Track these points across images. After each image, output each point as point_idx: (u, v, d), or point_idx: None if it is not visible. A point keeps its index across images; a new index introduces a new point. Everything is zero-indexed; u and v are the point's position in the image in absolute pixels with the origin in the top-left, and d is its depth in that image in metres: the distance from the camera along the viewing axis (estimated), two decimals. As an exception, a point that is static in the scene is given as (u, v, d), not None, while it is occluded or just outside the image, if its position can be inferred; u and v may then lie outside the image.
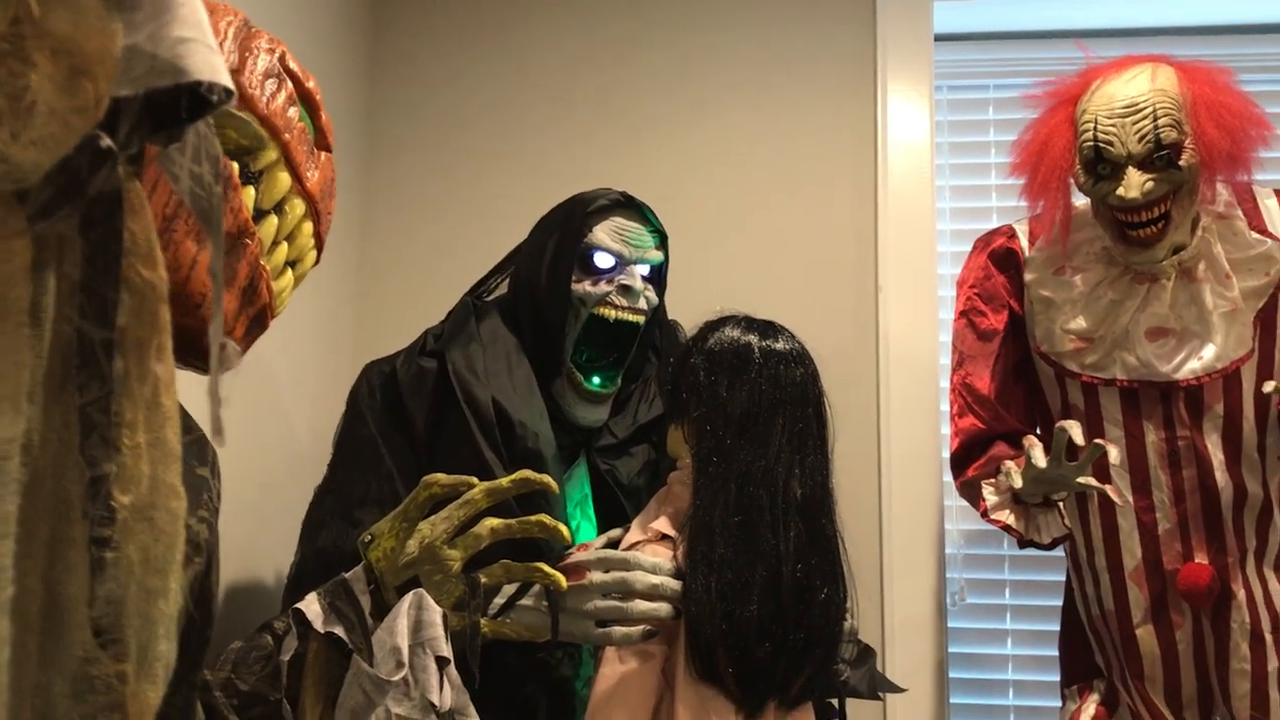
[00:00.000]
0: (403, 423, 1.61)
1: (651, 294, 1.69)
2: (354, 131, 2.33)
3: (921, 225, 2.25)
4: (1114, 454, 1.59)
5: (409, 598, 1.25)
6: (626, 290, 1.64)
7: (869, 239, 2.27)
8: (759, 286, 2.22)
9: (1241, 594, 1.73)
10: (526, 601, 1.39)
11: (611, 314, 1.65)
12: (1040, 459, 1.58)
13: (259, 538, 1.82)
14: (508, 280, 1.78)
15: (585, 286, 1.65)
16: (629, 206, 1.70)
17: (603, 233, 1.66)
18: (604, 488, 1.67)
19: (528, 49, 2.40)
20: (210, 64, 0.48)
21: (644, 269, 1.69)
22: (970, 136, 2.41)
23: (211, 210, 0.50)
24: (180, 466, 0.49)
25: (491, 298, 1.79)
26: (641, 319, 1.67)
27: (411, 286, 2.31)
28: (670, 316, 1.81)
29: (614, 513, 1.63)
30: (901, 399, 2.19)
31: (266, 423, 1.92)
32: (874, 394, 2.21)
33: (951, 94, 2.42)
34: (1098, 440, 1.56)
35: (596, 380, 1.67)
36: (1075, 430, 1.56)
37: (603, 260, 1.65)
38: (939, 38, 2.35)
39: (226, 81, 0.49)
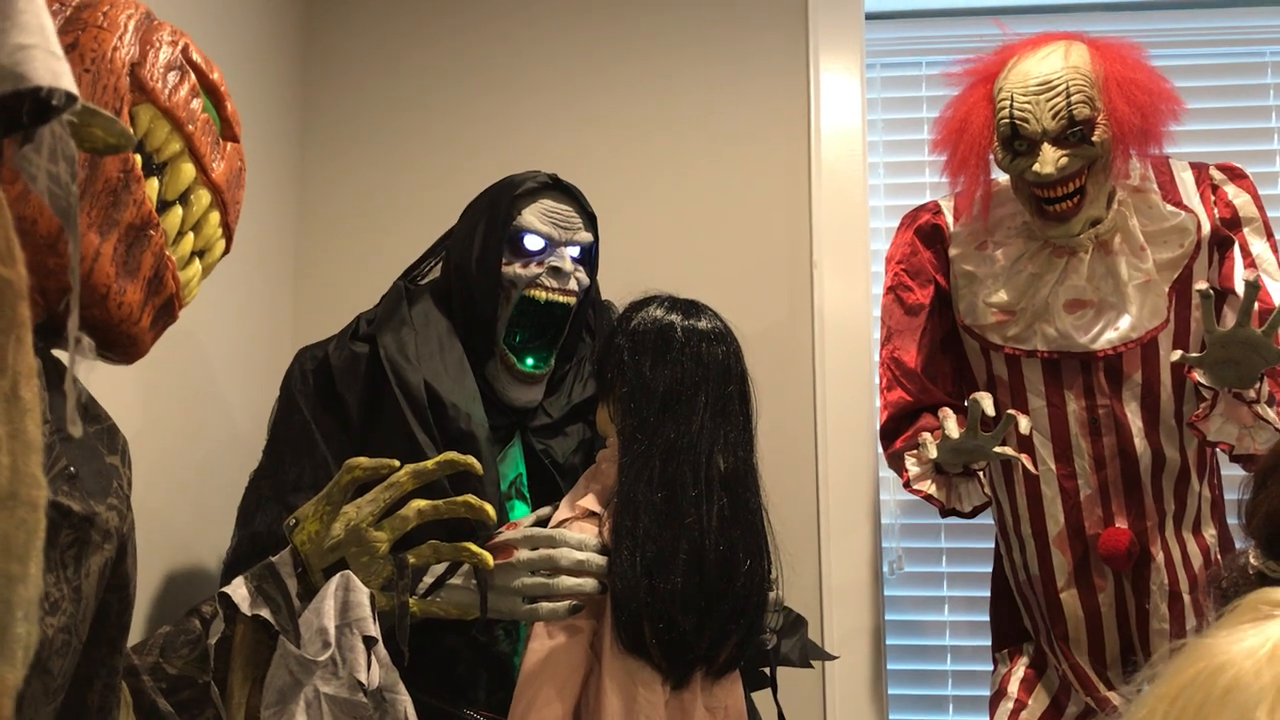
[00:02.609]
0: (336, 408, 1.63)
1: (583, 275, 1.72)
2: (289, 115, 2.33)
3: (855, 202, 2.28)
4: (1024, 424, 1.64)
5: (336, 579, 1.28)
6: (557, 272, 1.67)
7: (803, 216, 2.29)
8: (694, 265, 2.24)
9: (1160, 556, 1.78)
10: (456, 580, 1.42)
11: (542, 295, 1.67)
12: (954, 430, 1.63)
13: (198, 522, 1.84)
14: (440, 264, 1.80)
15: (516, 269, 1.67)
16: (557, 188, 1.72)
17: (532, 215, 1.68)
18: (540, 468, 1.70)
19: (458, 30, 2.40)
20: (51, 69, 0.49)
21: (574, 250, 1.71)
22: (903, 114, 2.44)
23: (69, 209, 0.52)
24: (40, 456, 0.51)
25: (425, 281, 1.81)
26: (573, 300, 1.69)
27: (349, 269, 2.31)
28: (606, 296, 1.84)
29: (551, 492, 1.65)
30: (836, 373, 2.23)
31: (204, 407, 1.93)
32: (809, 368, 2.24)
33: (884, 72, 2.45)
34: (1010, 411, 1.61)
35: (530, 361, 1.69)
36: (986, 402, 1.60)
37: (532, 242, 1.68)
38: (870, 16, 2.37)
39: (68, 86, 0.51)
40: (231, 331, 2.03)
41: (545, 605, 1.40)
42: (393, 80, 2.40)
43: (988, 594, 2.02)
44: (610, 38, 2.38)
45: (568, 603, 1.39)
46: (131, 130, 0.61)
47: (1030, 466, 1.71)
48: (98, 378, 1.55)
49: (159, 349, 1.76)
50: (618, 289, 1.75)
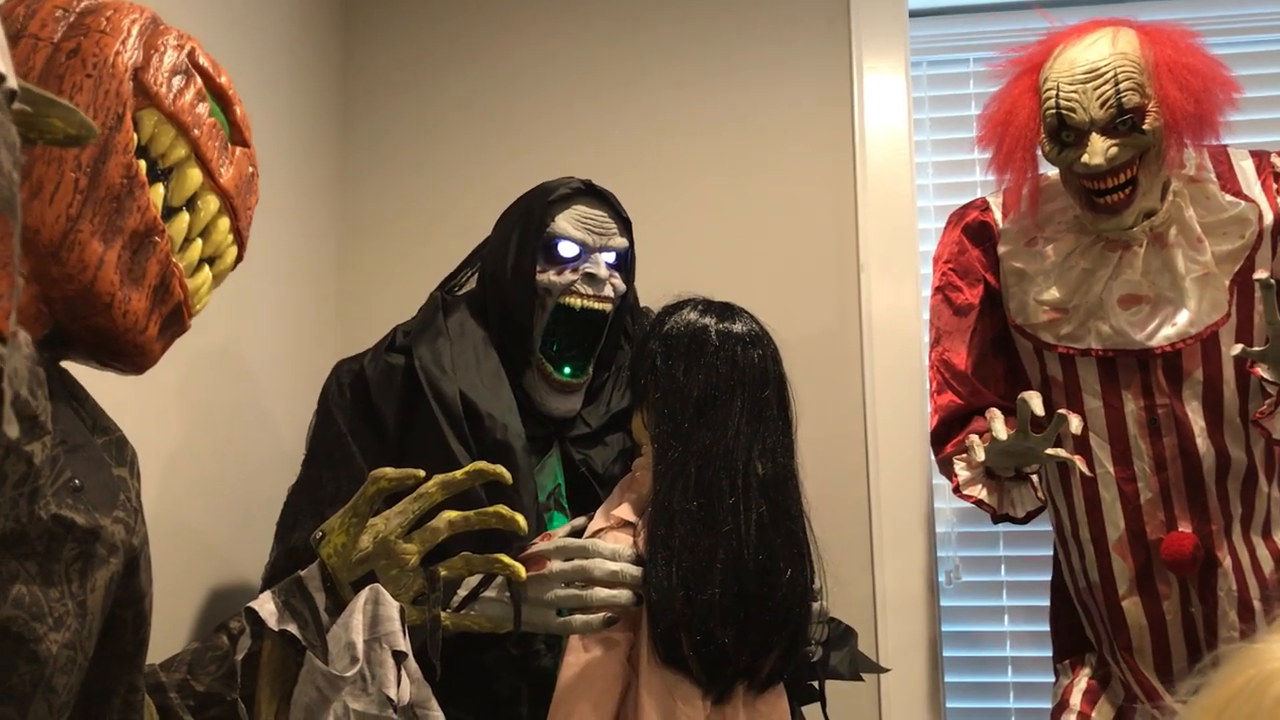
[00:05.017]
0: (373, 420, 1.62)
1: (618, 281, 1.69)
2: (331, 127, 2.33)
3: (902, 203, 2.23)
4: (1075, 424, 1.57)
5: (365, 593, 1.25)
6: (591, 278, 1.64)
7: (849, 218, 2.25)
8: (739, 270, 2.20)
9: (1228, 561, 1.70)
10: (489, 593, 1.39)
11: (577, 303, 1.64)
12: (1001, 431, 1.56)
13: (241, 536, 1.83)
14: (476, 274, 1.78)
15: (550, 276, 1.64)
16: (591, 194, 1.69)
17: (565, 221, 1.65)
18: (579, 478, 1.67)
19: (499, 38, 2.39)
20: None
21: (609, 256, 1.68)
22: (952, 112, 2.38)
23: (11, 198, 0.50)
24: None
25: (461, 292, 1.79)
26: (608, 307, 1.66)
27: (393, 282, 2.30)
28: (650, 304, 1.80)
29: (591, 503, 1.62)
30: (886, 378, 2.17)
31: (248, 421, 1.93)
32: (859, 373, 2.19)
33: (931, 69, 2.39)
34: (1060, 411, 1.54)
35: (567, 370, 1.66)
36: (1035, 402, 1.54)
37: (566, 249, 1.65)
38: (914, 13, 2.32)
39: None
40: (275, 346, 2.03)
41: (579, 618, 1.36)
42: (433, 90, 2.39)
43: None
44: (651, 42, 2.36)
45: (602, 615, 1.36)
46: (93, 123, 0.59)
47: (1084, 469, 1.63)
48: (138, 392, 1.55)
49: (201, 364, 1.77)
50: (662, 296, 1.70)
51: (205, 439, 1.77)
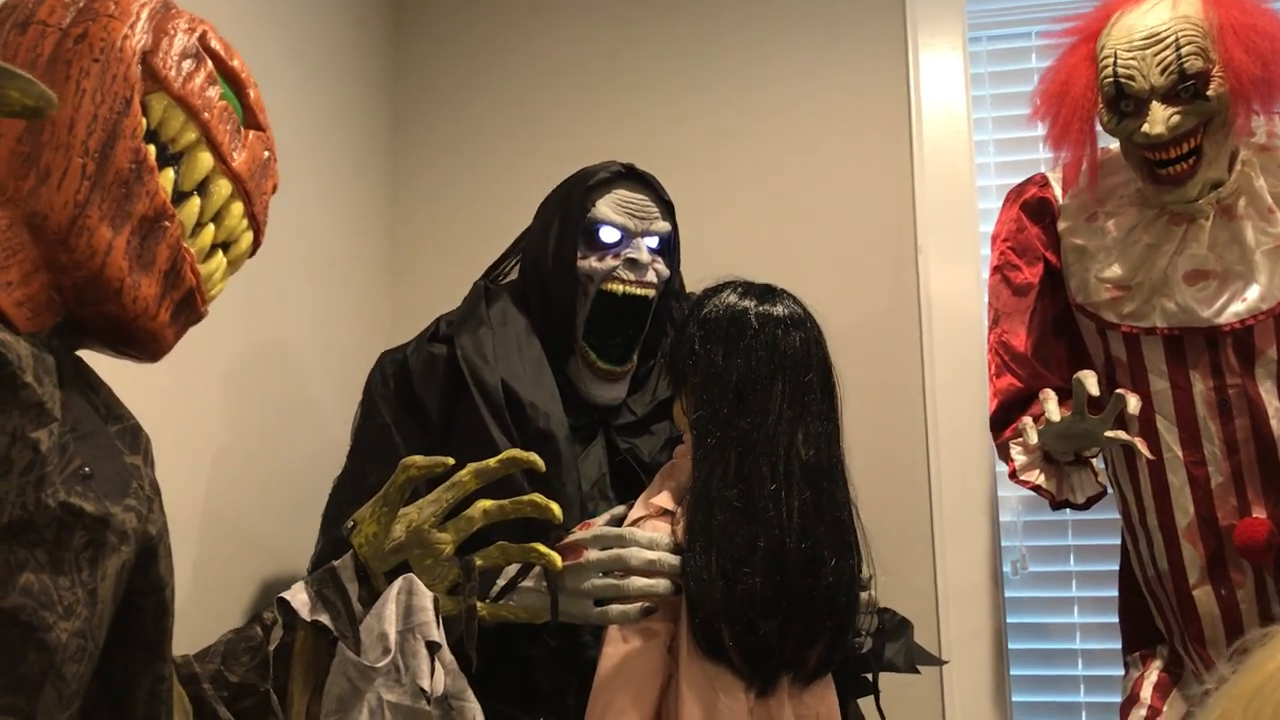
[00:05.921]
0: (416, 410, 1.61)
1: (661, 266, 1.65)
2: (382, 119, 2.33)
3: (961, 183, 2.17)
4: (1133, 403, 1.50)
5: (398, 583, 1.24)
6: (634, 264, 1.61)
7: (906, 200, 2.19)
8: (795, 254, 2.16)
9: (1306, 549, 1.62)
10: (527, 583, 1.37)
11: (619, 289, 1.61)
12: (1055, 412, 1.50)
13: (290, 528, 1.83)
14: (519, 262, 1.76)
15: (591, 263, 1.61)
16: (632, 178, 1.66)
17: (606, 206, 1.63)
18: (625, 468, 1.64)
19: (549, 33, 2.37)
20: None
21: (651, 241, 1.65)
22: (1013, 88, 2.31)
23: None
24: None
25: (505, 281, 1.77)
26: (651, 292, 1.63)
27: (446, 273, 2.28)
28: (704, 287, 1.76)
29: (636, 492, 1.58)
30: (946, 363, 2.11)
31: (298, 414, 1.93)
32: (918, 357, 2.13)
33: (990, 45, 2.32)
34: (1119, 390, 1.47)
35: (611, 357, 1.64)
36: (1090, 381, 1.47)
37: (608, 235, 1.62)
38: (972, -12, 2.26)
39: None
40: (327, 336, 2.03)
41: (616, 608, 1.33)
42: (484, 80, 2.38)
43: (1117, 593, 1.88)
44: (705, 26, 2.32)
45: (639, 605, 1.32)
46: (53, 94, 0.58)
47: (1146, 451, 1.56)
48: (188, 385, 1.56)
49: (250, 357, 1.78)
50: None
51: (254, 431, 1.78)
